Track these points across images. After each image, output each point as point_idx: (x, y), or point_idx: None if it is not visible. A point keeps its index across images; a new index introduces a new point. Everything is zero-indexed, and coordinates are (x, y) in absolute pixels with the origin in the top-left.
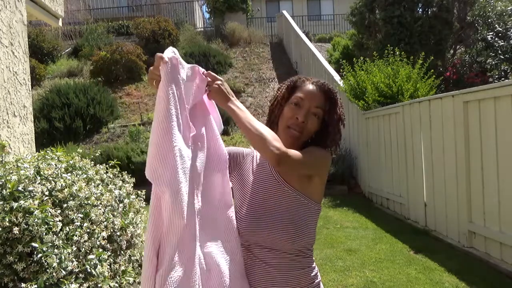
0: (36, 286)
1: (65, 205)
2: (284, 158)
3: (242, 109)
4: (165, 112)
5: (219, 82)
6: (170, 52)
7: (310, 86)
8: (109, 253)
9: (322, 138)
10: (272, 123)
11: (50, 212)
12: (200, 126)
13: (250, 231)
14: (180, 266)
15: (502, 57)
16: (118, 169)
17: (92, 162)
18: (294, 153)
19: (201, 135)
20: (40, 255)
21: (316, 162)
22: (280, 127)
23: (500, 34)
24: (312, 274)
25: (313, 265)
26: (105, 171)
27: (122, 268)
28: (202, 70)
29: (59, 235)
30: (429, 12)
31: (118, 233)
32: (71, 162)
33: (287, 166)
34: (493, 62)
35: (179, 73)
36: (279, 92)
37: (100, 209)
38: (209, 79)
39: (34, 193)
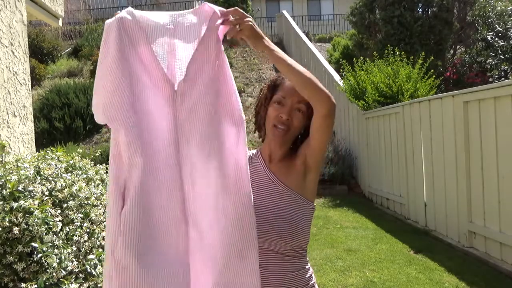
0: (36, 286)
1: (65, 205)
2: (334, 105)
3: (280, 50)
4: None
5: (250, 19)
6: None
7: (289, 83)
8: None
9: (307, 132)
10: (259, 125)
11: (50, 212)
12: (209, 70)
13: None
14: (139, 208)
15: (502, 57)
16: None
17: (92, 162)
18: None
19: (208, 79)
20: (40, 255)
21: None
22: (267, 128)
23: (500, 34)
24: (306, 276)
25: (307, 266)
26: (105, 171)
27: None
28: (217, 8)
29: (59, 235)
30: (429, 12)
31: None
32: (71, 162)
33: (333, 116)
34: (493, 62)
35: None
36: (261, 93)
37: (100, 209)
38: (237, 17)
39: (34, 193)
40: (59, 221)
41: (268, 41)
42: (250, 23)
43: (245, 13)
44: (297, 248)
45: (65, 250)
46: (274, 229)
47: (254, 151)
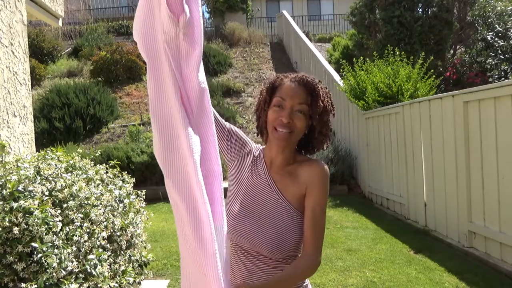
0: (36, 286)
1: (65, 205)
2: (317, 267)
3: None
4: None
5: None
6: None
7: (289, 84)
8: (109, 253)
9: (310, 133)
10: (261, 129)
11: (50, 212)
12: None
13: (236, 230)
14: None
15: (502, 57)
16: (118, 169)
17: (92, 162)
18: (320, 244)
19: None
20: (40, 255)
21: (324, 213)
22: (269, 131)
23: (500, 34)
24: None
25: None
26: (105, 171)
27: (122, 268)
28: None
29: (59, 235)
30: (429, 12)
31: (118, 233)
32: (71, 162)
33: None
34: (493, 62)
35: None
36: (261, 96)
37: (100, 209)
38: None
39: (34, 193)
40: (59, 221)
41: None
42: None
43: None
44: (287, 256)
45: (65, 250)
46: (262, 236)
47: (259, 150)
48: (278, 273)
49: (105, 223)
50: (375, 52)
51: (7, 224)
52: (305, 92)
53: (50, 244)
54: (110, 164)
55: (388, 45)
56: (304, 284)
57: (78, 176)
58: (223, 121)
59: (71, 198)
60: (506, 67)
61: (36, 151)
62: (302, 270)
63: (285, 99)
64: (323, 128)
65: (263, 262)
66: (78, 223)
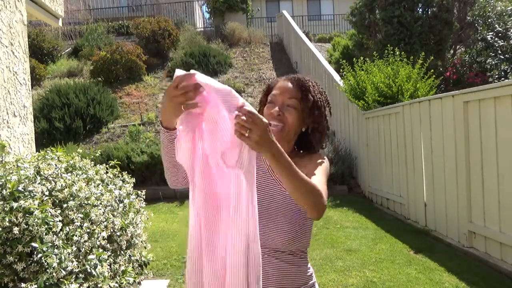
0: (36, 286)
1: (65, 205)
2: (324, 211)
3: (286, 159)
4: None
5: (259, 129)
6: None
7: (281, 82)
8: (109, 253)
9: (305, 131)
10: None
11: (50, 212)
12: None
13: None
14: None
15: (502, 57)
16: (118, 169)
17: (92, 162)
18: (323, 192)
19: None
20: (40, 255)
21: (325, 177)
22: None
23: (500, 34)
24: (306, 275)
25: (307, 266)
26: (105, 171)
27: (122, 268)
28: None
29: (59, 235)
30: (429, 12)
31: (118, 233)
32: (71, 162)
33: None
34: (493, 62)
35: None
36: (260, 101)
37: (100, 209)
38: (250, 119)
39: (34, 193)
40: (59, 221)
41: (279, 156)
42: (258, 135)
43: (259, 117)
44: (296, 250)
45: (65, 250)
46: (274, 228)
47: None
48: (290, 268)
49: (105, 223)
50: (375, 52)
51: (7, 224)
52: (295, 88)
53: (50, 244)
54: (110, 164)
55: (388, 45)
56: (311, 282)
57: (78, 176)
58: None
59: (71, 198)
60: (506, 67)
61: (36, 151)
62: (315, 189)
63: (277, 95)
64: (315, 124)
65: (275, 257)
66: (78, 223)
